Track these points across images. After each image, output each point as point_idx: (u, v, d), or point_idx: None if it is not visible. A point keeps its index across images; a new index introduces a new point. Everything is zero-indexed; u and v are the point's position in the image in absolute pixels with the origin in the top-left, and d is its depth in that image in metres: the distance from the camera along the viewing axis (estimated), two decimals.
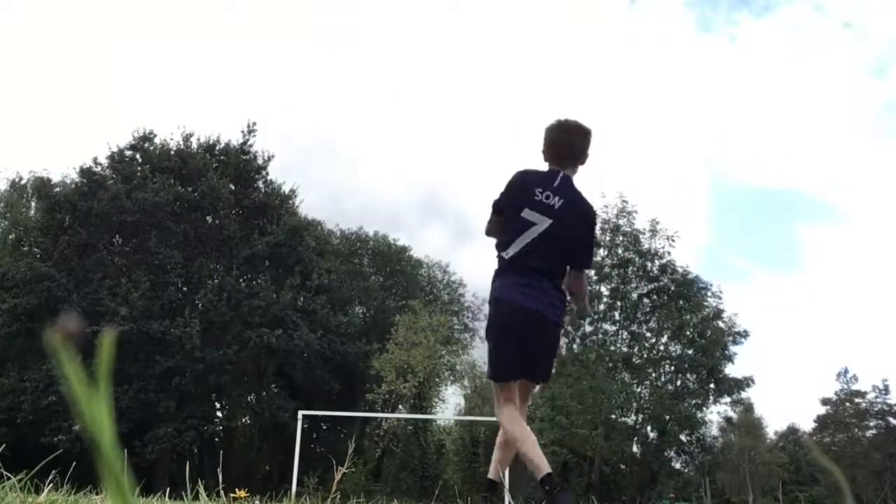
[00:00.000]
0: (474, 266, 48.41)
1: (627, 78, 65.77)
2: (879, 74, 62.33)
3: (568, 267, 3.56)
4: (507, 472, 3.94)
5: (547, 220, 3.45)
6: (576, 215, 3.55)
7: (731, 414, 35.93)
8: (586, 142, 3.70)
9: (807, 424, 49.69)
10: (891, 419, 41.88)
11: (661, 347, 33.60)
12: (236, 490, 3.54)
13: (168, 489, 4.79)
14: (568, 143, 3.66)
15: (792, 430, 52.71)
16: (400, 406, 32.73)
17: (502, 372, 3.51)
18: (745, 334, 33.39)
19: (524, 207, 3.49)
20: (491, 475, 3.72)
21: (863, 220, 61.50)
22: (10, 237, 32.13)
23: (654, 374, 33.44)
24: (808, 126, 64.99)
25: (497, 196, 3.62)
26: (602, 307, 33.56)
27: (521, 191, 3.56)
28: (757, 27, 65.21)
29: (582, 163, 3.71)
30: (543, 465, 3.24)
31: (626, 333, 33.55)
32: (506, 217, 3.57)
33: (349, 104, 63.01)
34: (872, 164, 61.58)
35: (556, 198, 3.49)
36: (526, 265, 3.46)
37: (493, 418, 4.35)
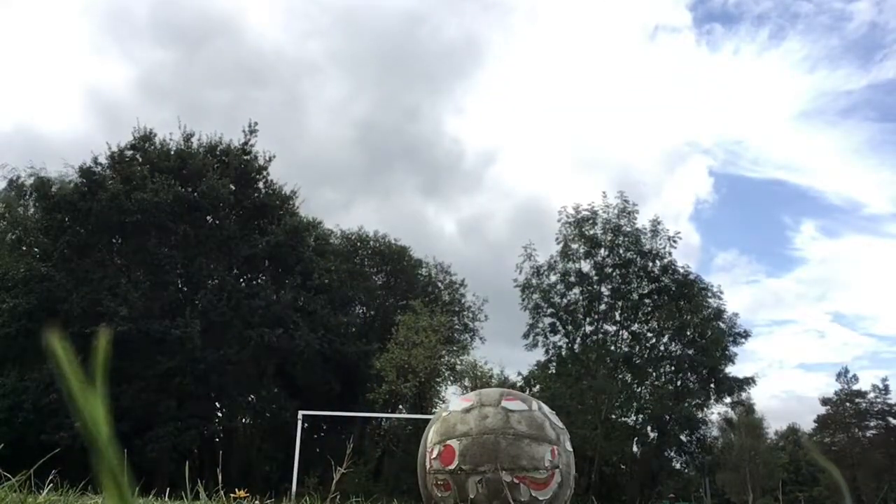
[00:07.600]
0: (475, 264, 48.38)
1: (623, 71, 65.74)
2: None
3: None
4: None
5: None
6: None
7: (731, 414, 35.93)
8: None
9: (807, 424, 49.71)
10: (891, 419, 41.87)
11: (662, 347, 33.57)
12: (236, 490, 3.53)
13: (168, 489, 4.78)
14: None
15: (792, 430, 52.76)
16: (400, 406, 32.69)
17: None
18: (745, 335, 33.40)
19: None
20: None
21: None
22: (10, 237, 32.08)
23: (654, 374, 33.41)
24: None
25: None
26: (603, 307, 33.54)
27: None
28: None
29: None
30: None
31: (626, 333, 33.53)
32: None
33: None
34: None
35: None
36: None
37: None
